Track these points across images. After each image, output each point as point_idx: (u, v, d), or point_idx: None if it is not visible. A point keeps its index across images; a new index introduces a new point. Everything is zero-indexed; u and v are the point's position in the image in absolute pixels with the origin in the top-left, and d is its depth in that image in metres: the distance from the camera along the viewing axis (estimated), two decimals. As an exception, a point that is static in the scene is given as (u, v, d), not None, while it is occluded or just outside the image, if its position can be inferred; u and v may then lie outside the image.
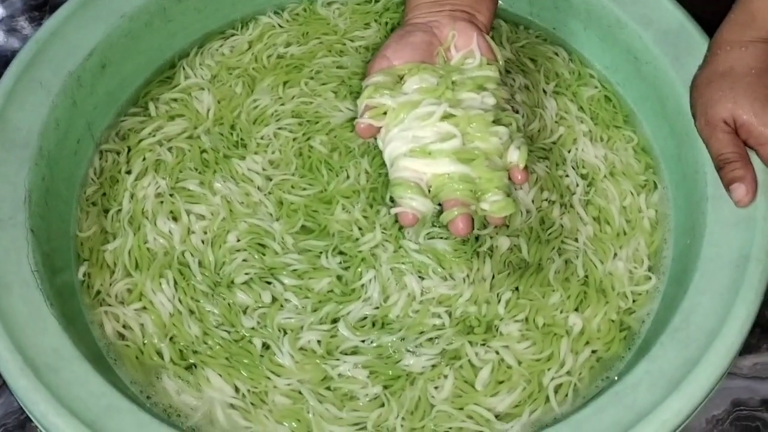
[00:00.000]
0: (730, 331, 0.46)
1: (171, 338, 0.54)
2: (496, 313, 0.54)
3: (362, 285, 0.56)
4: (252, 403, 0.51)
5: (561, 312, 0.54)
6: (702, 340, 0.46)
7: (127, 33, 0.63)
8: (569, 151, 0.62)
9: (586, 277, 0.56)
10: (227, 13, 0.70)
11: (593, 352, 0.53)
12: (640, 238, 0.58)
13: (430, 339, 0.53)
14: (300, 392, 0.51)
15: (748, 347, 0.61)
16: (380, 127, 0.52)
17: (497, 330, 0.54)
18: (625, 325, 0.55)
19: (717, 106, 0.52)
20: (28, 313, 0.48)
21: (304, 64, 0.68)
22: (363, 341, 0.53)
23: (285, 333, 0.54)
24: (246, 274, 0.56)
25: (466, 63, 0.55)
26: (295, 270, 0.56)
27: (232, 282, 0.56)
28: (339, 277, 0.56)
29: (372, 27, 0.70)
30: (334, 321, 0.54)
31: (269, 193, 0.60)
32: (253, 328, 0.54)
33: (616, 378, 0.51)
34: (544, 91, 0.66)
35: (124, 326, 0.54)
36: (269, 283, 0.56)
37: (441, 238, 0.57)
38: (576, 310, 0.55)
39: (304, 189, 0.60)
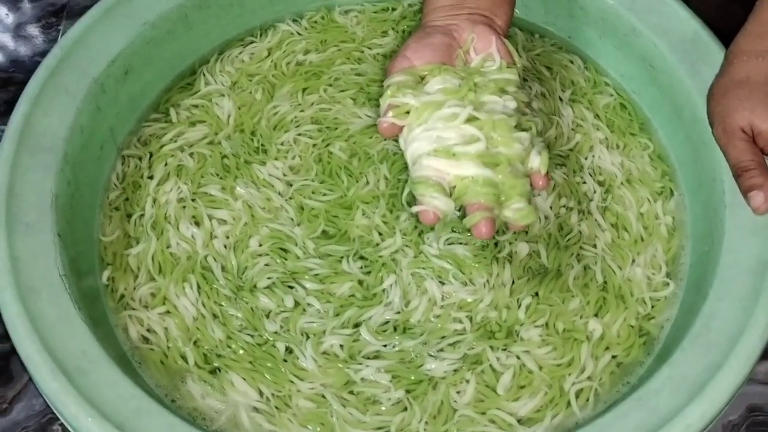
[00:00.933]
0: (751, 337, 0.47)
1: (195, 342, 0.54)
2: (516, 318, 0.55)
3: (383, 290, 0.56)
4: (276, 407, 0.52)
5: (581, 318, 0.55)
6: (723, 345, 0.47)
7: (149, 40, 0.63)
8: (586, 158, 0.63)
9: (605, 283, 0.57)
10: (247, 20, 0.70)
11: (613, 357, 0.54)
12: (657, 244, 0.59)
13: (452, 344, 0.54)
14: (323, 396, 0.52)
15: (764, 353, 0.62)
16: (402, 127, 0.52)
17: (518, 335, 0.54)
18: (645, 330, 0.55)
19: (735, 115, 0.53)
20: (57, 317, 0.48)
21: (322, 71, 0.68)
22: (385, 345, 0.54)
23: (308, 337, 0.54)
24: (268, 278, 0.57)
25: (486, 66, 0.55)
26: (317, 274, 0.57)
27: (255, 286, 0.56)
28: (360, 282, 0.57)
29: (389, 35, 0.71)
30: (356, 325, 0.55)
31: (290, 198, 0.61)
32: (276, 333, 0.55)
33: (636, 383, 0.52)
34: (561, 99, 0.67)
35: (148, 330, 0.55)
36: (291, 287, 0.57)
37: (460, 243, 0.58)
38: (596, 315, 0.55)
39: (324, 194, 0.61)
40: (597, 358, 0.54)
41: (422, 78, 0.54)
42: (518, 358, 0.53)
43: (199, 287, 0.56)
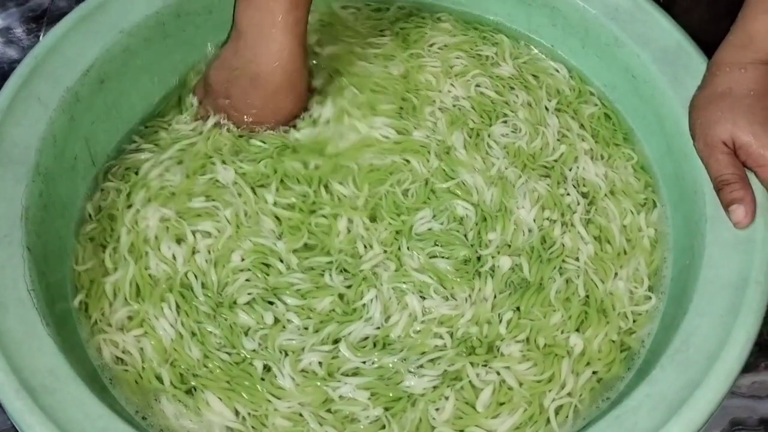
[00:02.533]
0: (729, 355, 0.46)
1: (171, 363, 0.53)
2: (497, 333, 0.54)
3: (363, 305, 0.55)
4: (252, 427, 0.51)
5: (562, 332, 0.54)
6: (702, 363, 0.46)
7: (125, 48, 0.62)
8: (570, 169, 0.62)
9: (587, 297, 0.56)
10: (227, 27, 0.69)
11: (594, 373, 0.53)
12: (640, 257, 0.58)
13: (432, 360, 0.53)
14: (301, 414, 0.51)
15: (746, 366, 0.60)
16: None
17: (498, 350, 0.54)
18: (626, 345, 0.54)
19: (716, 127, 0.52)
20: (24, 333, 0.47)
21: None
22: (364, 362, 0.53)
23: (286, 355, 0.53)
24: (248, 294, 0.56)
25: None
26: (298, 289, 0.56)
27: (235, 302, 0.55)
28: (341, 296, 0.56)
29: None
30: (336, 341, 0.54)
31: (274, 204, 0.60)
32: (254, 350, 0.53)
33: (616, 399, 0.51)
34: (546, 108, 0.66)
35: (123, 351, 0.54)
36: (271, 303, 0.55)
37: (443, 257, 0.57)
38: (577, 330, 0.54)
39: (303, 204, 0.60)
40: (577, 374, 0.53)
41: None
42: (498, 374, 0.52)
43: (178, 306, 0.55)
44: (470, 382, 0.52)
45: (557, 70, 0.69)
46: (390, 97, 0.65)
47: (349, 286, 0.56)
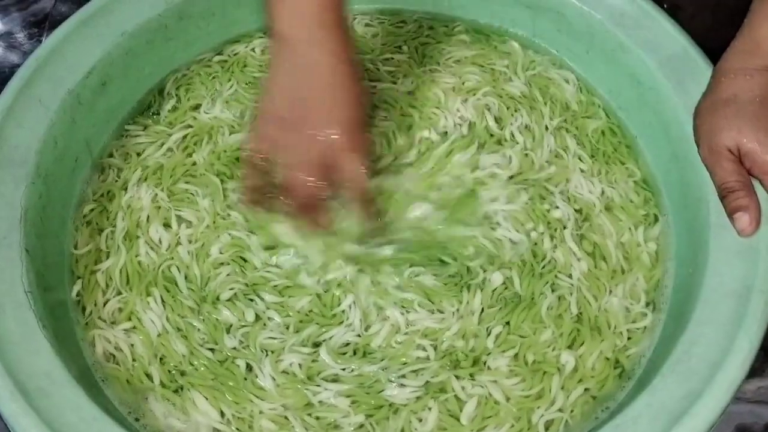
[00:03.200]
0: (732, 364, 0.45)
1: (160, 359, 0.53)
2: (484, 347, 0.53)
3: (342, 311, 0.55)
4: (237, 429, 0.50)
5: (553, 349, 0.53)
6: (704, 372, 0.45)
7: (127, 51, 0.62)
8: (556, 186, 0.61)
9: (580, 314, 0.55)
10: (228, 30, 0.70)
11: (586, 390, 0.52)
12: (638, 273, 0.57)
13: (414, 371, 0.52)
14: (286, 417, 0.50)
15: (752, 371, 0.60)
16: None
17: (485, 364, 0.53)
18: (620, 363, 0.53)
19: (721, 134, 0.52)
20: (20, 335, 0.47)
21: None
22: (344, 369, 0.52)
23: (267, 354, 0.53)
24: (231, 289, 0.55)
25: None
26: (275, 285, 0.56)
27: (218, 298, 0.55)
28: (319, 296, 0.55)
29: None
30: (316, 345, 0.53)
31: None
32: (235, 348, 0.53)
33: (615, 409, 0.50)
34: (547, 128, 0.64)
35: (115, 347, 0.53)
36: (252, 300, 0.55)
37: (432, 274, 0.56)
38: (569, 347, 0.53)
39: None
40: (569, 391, 0.52)
41: None
42: (484, 387, 0.51)
43: (163, 300, 0.55)
44: (455, 395, 0.51)
45: (566, 81, 0.68)
46: (388, 114, 0.64)
47: (326, 291, 0.56)
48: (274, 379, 0.52)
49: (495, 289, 0.56)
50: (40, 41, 0.79)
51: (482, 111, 0.64)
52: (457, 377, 0.52)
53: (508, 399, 0.51)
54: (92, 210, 0.60)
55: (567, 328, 0.54)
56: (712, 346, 0.46)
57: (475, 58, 0.69)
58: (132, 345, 0.54)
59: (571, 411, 0.51)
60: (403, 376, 0.52)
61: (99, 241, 0.58)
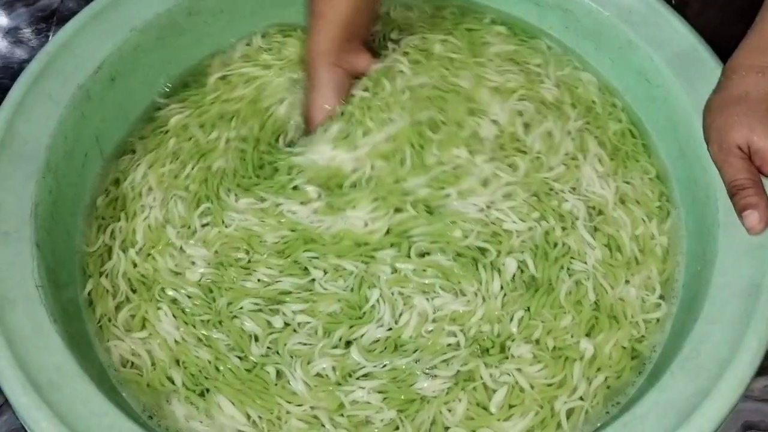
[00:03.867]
0: (740, 363, 0.45)
1: (182, 364, 0.53)
2: (509, 332, 0.53)
3: (372, 306, 0.54)
4: (266, 429, 0.50)
5: (572, 336, 0.53)
6: (713, 370, 0.45)
7: (137, 46, 0.63)
8: (566, 183, 0.60)
9: (597, 302, 0.55)
10: (238, 27, 0.69)
11: (606, 378, 0.52)
12: (652, 265, 0.57)
13: (445, 360, 0.52)
14: (316, 417, 0.50)
15: (759, 369, 0.60)
16: None
17: (509, 350, 0.53)
18: (636, 352, 0.54)
19: (731, 132, 0.51)
20: (31, 329, 0.47)
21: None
22: (375, 366, 0.52)
23: (297, 359, 0.53)
24: (254, 303, 0.55)
25: None
26: (299, 297, 0.55)
27: (240, 309, 0.55)
28: (346, 300, 0.55)
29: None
30: (348, 344, 0.53)
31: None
32: (264, 355, 0.53)
33: (626, 405, 0.50)
34: (569, 132, 0.63)
35: (132, 354, 0.53)
36: (275, 311, 0.55)
37: (441, 252, 0.56)
38: (587, 335, 0.54)
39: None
40: (590, 379, 0.52)
41: None
42: (511, 375, 0.52)
43: (174, 316, 0.55)
44: (483, 383, 0.51)
45: (591, 82, 0.67)
46: (429, 112, 0.62)
47: (351, 289, 0.55)
48: (306, 384, 0.51)
49: (511, 272, 0.55)
50: (48, 37, 0.79)
51: (514, 116, 0.63)
52: (486, 365, 0.52)
53: (532, 387, 0.51)
54: (102, 206, 0.60)
55: (586, 315, 0.54)
56: (721, 344, 0.47)
57: (514, 55, 0.68)
58: (149, 351, 0.53)
59: (593, 399, 0.51)
60: (435, 367, 0.52)
61: (107, 239, 0.58)
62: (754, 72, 0.52)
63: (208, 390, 0.52)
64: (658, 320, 0.55)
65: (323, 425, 0.50)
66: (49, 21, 0.80)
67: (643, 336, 0.54)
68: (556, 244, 0.57)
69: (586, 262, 0.57)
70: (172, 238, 0.57)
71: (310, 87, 0.62)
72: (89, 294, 0.56)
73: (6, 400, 0.46)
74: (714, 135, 0.53)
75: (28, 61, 0.59)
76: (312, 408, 0.51)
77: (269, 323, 0.54)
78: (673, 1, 0.66)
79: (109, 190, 0.61)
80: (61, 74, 0.59)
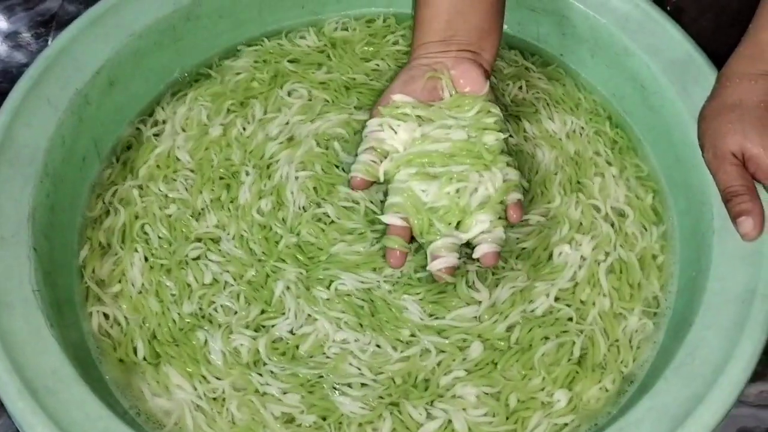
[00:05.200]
0: (735, 368, 0.46)
1: (141, 324, 0.55)
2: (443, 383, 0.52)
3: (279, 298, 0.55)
4: (211, 408, 0.52)
5: (543, 390, 0.52)
6: (707, 376, 0.46)
7: (135, 51, 0.63)
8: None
9: (582, 357, 0.53)
10: (237, 33, 0.70)
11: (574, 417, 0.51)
12: (653, 279, 0.56)
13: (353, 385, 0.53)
14: (251, 401, 0.52)
15: (754, 375, 0.60)
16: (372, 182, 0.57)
17: (450, 391, 0.52)
18: (623, 389, 0.52)
19: (726, 139, 0.52)
20: (28, 333, 0.48)
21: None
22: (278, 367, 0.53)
23: (220, 328, 0.54)
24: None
25: (468, 104, 0.57)
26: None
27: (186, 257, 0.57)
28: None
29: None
30: (256, 330, 0.55)
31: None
32: (192, 314, 0.55)
33: (617, 414, 0.50)
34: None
35: (105, 316, 0.55)
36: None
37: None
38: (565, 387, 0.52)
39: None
40: (555, 419, 0.51)
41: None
42: (446, 413, 0.51)
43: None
44: (409, 414, 0.51)
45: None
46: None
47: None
48: (224, 355, 0.53)
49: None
50: (47, 41, 0.79)
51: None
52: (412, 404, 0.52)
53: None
54: (99, 202, 0.60)
55: (563, 372, 0.52)
56: (715, 349, 0.47)
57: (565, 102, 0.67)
58: (121, 308, 0.56)
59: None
60: (349, 386, 0.52)
61: (105, 241, 0.59)
62: (747, 80, 0.53)
63: (160, 361, 0.53)
64: (650, 336, 0.54)
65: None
66: (49, 25, 0.80)
67: (631, 373, 0.53)
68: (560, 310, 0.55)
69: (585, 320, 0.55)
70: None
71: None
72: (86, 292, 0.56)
73: (2, 405, 0.46)
74: (708, 142, 0.54)
75: (27, 65, 0.59)
76: (235, 389, 0.52)
77: (203, 276, 0.56)
78: (669, 8, 0.67)
79: (109, 191, 0.61)
80: (60, 79, 0.59)
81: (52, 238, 0.55)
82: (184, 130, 0.64)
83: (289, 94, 0.67)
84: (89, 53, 0.61)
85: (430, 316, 0.55)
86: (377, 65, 0.69)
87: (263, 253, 0.58)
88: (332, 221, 0.59)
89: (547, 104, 0.66)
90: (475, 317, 0.54)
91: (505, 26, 0.70)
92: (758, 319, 0.47)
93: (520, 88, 0.67)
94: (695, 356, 0.47)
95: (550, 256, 0.57)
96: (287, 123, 0.65)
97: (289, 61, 0.68)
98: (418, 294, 0.55)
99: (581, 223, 0.59)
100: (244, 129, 0.64)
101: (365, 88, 0.67)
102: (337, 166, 0.62)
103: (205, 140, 0.63)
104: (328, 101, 0.66)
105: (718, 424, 0.44)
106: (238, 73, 0.68)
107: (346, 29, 0.71)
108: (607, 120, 0.66)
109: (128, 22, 0.63)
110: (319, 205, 0.60)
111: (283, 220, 0.59)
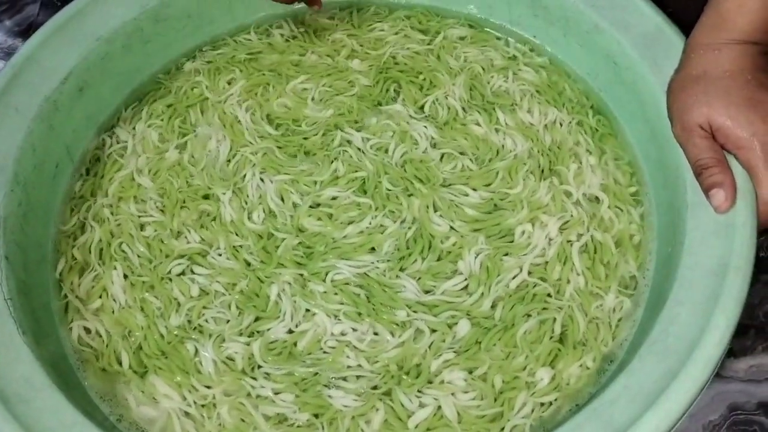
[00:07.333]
0: (709, 342, 0.45)
1: (125, 336, 0.54)
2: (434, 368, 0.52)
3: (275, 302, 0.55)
4: (201, 415, 0.51)
5: (525, 369, 0.52)
6: (681, 351, 0.45)
7: (104, 55, 0.63)
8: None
9: (563, 334, 0.53)
10: (206, 31, 0.70)
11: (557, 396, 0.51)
12: (630, 258, 0.56)
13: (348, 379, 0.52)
14: (242, 403, 0.51)
15: (743, 349, 0.59)
16: None
17: (438, 377, 0.52)
18: (602, 368, 0.52)
19: (692, 111, 0.51)
20: (0, 342, 0.48)
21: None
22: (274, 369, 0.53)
23: (211, 337, 0.53)
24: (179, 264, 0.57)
25: None
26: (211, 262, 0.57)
27: (169, 273, 0.56)
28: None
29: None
30: (251, 335, 0.54)
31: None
32: (179, 326, 0.54)
33: (594, 393, 0.50)
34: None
35: (86, 330, 0.54)
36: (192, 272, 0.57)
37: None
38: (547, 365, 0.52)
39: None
40: (539, 398, 0.51)
41: None
42: (435, 399, 0.50)
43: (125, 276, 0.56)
44: (401, 403, 0.51)
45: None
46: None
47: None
48: (215, 364, 0.52)
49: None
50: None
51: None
52: (404, 392, 0.51)
53: (460, 415, 0.50)
54: (74, 217, 0.60)
55: (545, 349, 0.52)
56: (689, 324, 0.46)
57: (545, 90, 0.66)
58: (102, 322, 0.55)
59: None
60: (344, 379, 0.52)
61: (81, 258, 0.58)
62: (711, 50, 0.52)
63: (147, 372, 0.53)
64: (629, 315, 0.54)
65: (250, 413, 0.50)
66: (27, 34, 0.80)
67: (613, 335, 0.53)
68: (534, 285, 0.55)
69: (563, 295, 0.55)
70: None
71: None
72: (64, 297, 0.56)
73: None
74: (676, 115, 0.53)
75: (0, 77, 0.59)
76: (226, 395, 0.51)
77: (189, 289, 0.55)
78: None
79: (83, 198, 0.61)
80: (27, 87, 0.59)
81: (26, 248, 0.55)
82: (144, 152, 0.63)
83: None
84: (56, 60, 0.61)
85: (426, 292, 0.55)
86: None
87: (261, 262, 0.57)
88: (330, 203, 0.59)
89: (531, 95, 0.65)
90: (464, 289, 0.55)
91: (474, 10, 0.71)
92: (732, 293, 0.46)
93: (506, 79, 0.66)
94: (669, 332, 0.46)
95: (512, 234, 0.57)
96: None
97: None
98: (414, 264, 0.56)
99: (548, 205, 0.58)
100: (193, 156, 0.63)
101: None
102: (294, 156, 0.62)
103: (163, 165, 0.62)
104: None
105: (693, 399, 0.44)
106: (188, 80, 0.67)
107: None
108: (590, 109, 0.65)
109: (94, 26, 0.63)
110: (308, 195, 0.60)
111: (282, 223, 0.58)
